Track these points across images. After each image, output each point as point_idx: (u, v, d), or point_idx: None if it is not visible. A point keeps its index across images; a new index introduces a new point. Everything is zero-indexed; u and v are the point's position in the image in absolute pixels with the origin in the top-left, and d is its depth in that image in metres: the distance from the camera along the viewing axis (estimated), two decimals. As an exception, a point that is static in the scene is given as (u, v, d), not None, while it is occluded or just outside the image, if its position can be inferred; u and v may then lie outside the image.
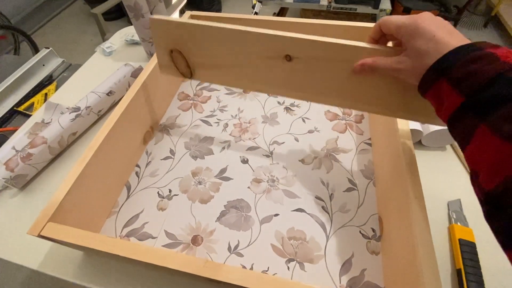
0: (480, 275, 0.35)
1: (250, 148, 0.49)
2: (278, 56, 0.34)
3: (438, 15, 1.40)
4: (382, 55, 0.29)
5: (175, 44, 0.38)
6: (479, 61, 0.22)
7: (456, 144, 0.49)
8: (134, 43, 0.72)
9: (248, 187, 0.44)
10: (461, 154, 0.47)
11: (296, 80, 0.35)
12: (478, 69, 0.22)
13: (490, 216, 0.21)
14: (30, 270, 0.39)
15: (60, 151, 0.50)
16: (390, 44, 0.32)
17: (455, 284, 0.36)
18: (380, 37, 0.31)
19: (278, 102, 0.56)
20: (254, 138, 0.51)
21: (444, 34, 0.24)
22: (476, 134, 0.21)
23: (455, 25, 1.78)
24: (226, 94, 0.59)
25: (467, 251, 0.37)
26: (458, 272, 0.36)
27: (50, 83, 0.88)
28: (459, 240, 0.38)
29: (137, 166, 0.48)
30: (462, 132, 0.23)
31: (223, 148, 0.50)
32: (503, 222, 0.19)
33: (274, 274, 0.36)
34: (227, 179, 0.46)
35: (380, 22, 0.29)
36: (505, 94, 0.20)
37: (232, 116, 0.54)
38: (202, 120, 0.54)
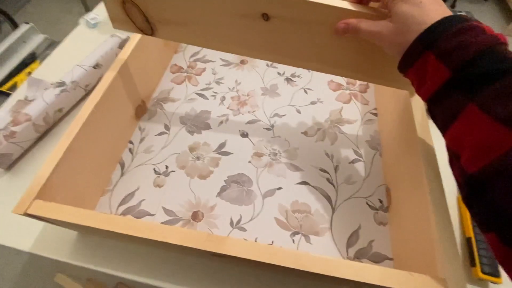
0: (490, 243, 0.34)
1: (250, 122, 0.47)
2: (254, 15, 0.29)
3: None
4: (366, 17, 0.27)
5: None
6: (468, 33, 0.20)
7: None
8: (120, 14, 0.67)
9: (249, 162, 0.42)
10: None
11: (273, 42, 0.32)
12: (466, 40, 0.20)
13: (470, 199, 0.20)
14: (28, 254, 0.37)
15: (46, 129, 0.47)
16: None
17: (465, 252, 0.35)
18: None
19: (278, 73, 0.53)
20: (254, 111, 0.48)
21: (431, 1, 0.23)
22: (464, 113, 0.20)
23: (456, -2, 1.72)
24: (222, 65, 0.55)
25: (477, 219, 0.36)
26: (468, 240, 0.35)
27: (33, 61, 0.83)
28: (469, 208, 0.36)
29: (130, 142, 0.45)
30: (447, 111, 0.21)
31: (221, 122, 0.47)
32: (484, 206, 0.19)
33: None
34: (227, 153, 0.43)
35: None
36: (496, 70, 0.19)
37: (229, 88, 0.51)
38: (197, 94, 0.51)
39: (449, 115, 0.21)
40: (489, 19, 1.72)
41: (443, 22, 0.21)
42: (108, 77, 0.39)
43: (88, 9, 1.71)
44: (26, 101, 0.52)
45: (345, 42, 0.30)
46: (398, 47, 0.24)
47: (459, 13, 0.23)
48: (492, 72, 0.19)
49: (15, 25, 1.52)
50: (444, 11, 0.22)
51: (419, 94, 0.24)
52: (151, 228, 0.27)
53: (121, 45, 0.54)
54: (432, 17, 0.22)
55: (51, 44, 0.85)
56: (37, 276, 0.95)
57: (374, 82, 0.34)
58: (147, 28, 0.35)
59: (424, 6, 0.22)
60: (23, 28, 0.81)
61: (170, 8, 0.32)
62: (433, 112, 0.23)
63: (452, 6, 1.74)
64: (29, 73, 0.76)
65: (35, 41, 0.85)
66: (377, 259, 0.34)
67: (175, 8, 0.32)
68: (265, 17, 0.29)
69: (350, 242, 0.35)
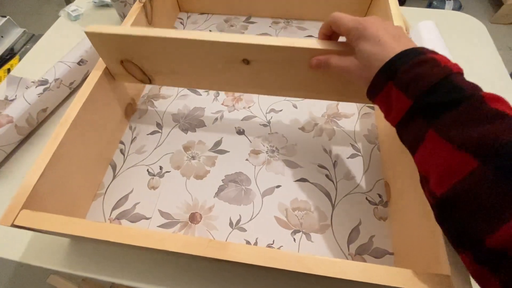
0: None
1: (246, 118, 0.45)
2: (235, 61, 0.33)
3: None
4: (335, 53, 0.30)
5: (123, 55, 0.36)
6: (424, 65, 0.22)
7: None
8: (103, 5, 0.63)
9: (246, 159, 0.41)
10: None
11: (256, 80, 0.35)
12: (423, 72, 0.22)
13: (441, 219, 0.21)
14: (16, 263, 0.35)
15: (30, 131, 0.44)
16: (342, 39, 0.31)
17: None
18: (332, 33, 0.31)
19: (273, 67, 0.52)
20: (249, 107, 0.47)
21: (390, 39, 0.25)
22: (426, 138, 0.21)
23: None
24: (215, 59, 0.53)
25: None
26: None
27: (12, 57, 0.78)
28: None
29: (121, 143, 0.43)
30: (412, 137, 0.23)
31: (216, 119, 0.45)
32: (452, 227, 0.20)
33: (280, 247, 0.34)
34: (223, 152, 0.42)
35: (331, 22, 0.29)
36: (450, 99, 0.20)
37: (222, 83, 0.49)
38: (190, 90, 0.49)
39: (414, 140, 0.23)
40: (476, 7, 1.73)
41: (401, 56, 0.23)
42: (95, 74, 0.37)
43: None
44: (6, 101, 0.49)
45: (321, 73, 0.33)
46: (364, 79, 0.26)
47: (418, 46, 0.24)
48: (447, 101, 0.20)
49: (-11, 18, 1.43)
50: (405, 45, 0.24)
51: (388, 120, 0.26)
52: (148, 236, 0.25)
53: (107, 39, 0.51)
54: (392, 52, 0.24)
55: (31, 38, 0.80)
56: (29, 278, 0.93)
57: (354, 102, 0.37)
58: (146, 79, 0.39)
59: (383, 44, 0.25)
60: (-2, 21, 0.76)
61: (161, 63, 0.36)
62: (401, 137, 0.25)
63: (441, -6, 1.74)
64: (9, 70, 0.71)
65: (13, 35, 0.80)
66: (378, 254, 0.34)
67: (166, 63, 0.36)
68: (246, 61, 0.33)
69: (351, 239, 0.35)
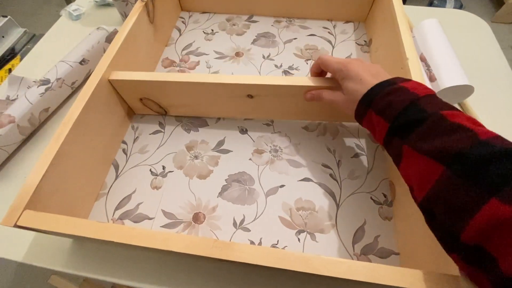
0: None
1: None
2: (241, 96, 0.38)
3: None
4: (325, 89, 0.36)
5: (142, 94, 0.40)
6: (394, 93, 0.27)
7: (464, 102, 0.46)
8: (105, 4, 0.63)
9: (250, 159, 0.41)
10: (469, 111, 0.45)
11: (259, 109, 0.41)
12: (394, 100, 0.26)
13: (428, 224, 0.23)
14: (17, 264, 0.35)
15: (32, 131, 0.44)
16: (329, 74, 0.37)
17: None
18: (321, 71, 0.36)
19: (275, 66, 0.51)
20: (252, 106, 0.46)
21: (369, 76, 0.30)
22: (403, 153, 0.25)
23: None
24: (217, 58, 0.53)
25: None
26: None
27: (13, 57, 0.78)
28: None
29: (124, 142, 0.43)
30: (394, 154, 0.27)
31: (219, 118, 0.45)
32: (438, 230, 0.22)
33: (284, 247, 0.34)
34: (226, 151, 0.42)
35: (320, 63, 0.35)
36: (417, 119, 0.24)
37: (225, 83, 0.49)
38: (192, 89, 0.49)
39: (396, 156, 0.26)
40: (477, 7, 1.73)
41: (375, 88, 0.29)
42: (97, 74, 0.36)
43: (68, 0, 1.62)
44: (8, 101, 0.49)
45: (315, 102, 0.37)
46: (351, 110, 0.32)
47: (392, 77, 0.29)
48: (414, 121, 0.24)
49: (-10, 18, 1.43)
50: (381, 80, 0.29)
51: (376, 140, 0.31)
52: (152, 236, 0.25)
53: (108, 39, 0.51)
54: (370, 86, 0.29)
55: (32, 38, 0.79)
56: (30, 278, 0.93)
57: (345, 122, 0.44)
58: (162, 111, 0.44)
59: (364, 82, 0.30)
60: (0, 21, 0.76)
61: (176, 99, 0.41)
62: (389, 153, 0.28)
63: (442, -7, 1.74)
64: (10, 70, 0.71)
65: (14, 35, 0.80)
66: (384, 254, 0.34)
67: (181, 99, 0.41)
68: (250, 96, 0.38)
69: (356, 238, 0.35)
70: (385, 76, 0.30)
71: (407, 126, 0.25)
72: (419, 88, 0.27)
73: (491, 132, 0.21)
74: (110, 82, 0.38)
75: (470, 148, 0.20)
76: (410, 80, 0.28)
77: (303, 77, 0.36)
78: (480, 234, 0.18)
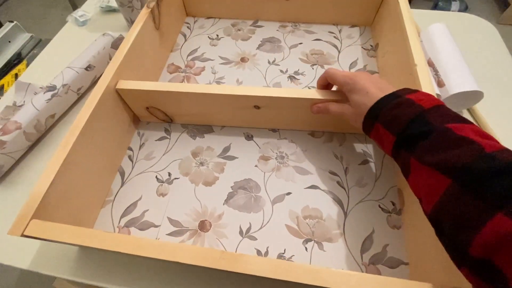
0: None
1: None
2: (248, 107, 0.38)
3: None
4: (329, 101, 0.36)
5: (149, 103, 0.40)
6: (400, 106, 0.27)
7: (473, 107, 0.45)
8: (111, 10, 0.64)
9: (256, 166, 0.41)
10: (479, 117, 0.44)
11: (264, 118, 0.41)
12: (400, 113, 0.27)
13: (438, 237, 0.23)
14: (19, 270, 0.35)
15: (38, 137, 0.44)
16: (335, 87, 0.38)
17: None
18: (328, 84, 0.37)
19: (281, 71, 0.51)
20: (257, 112, 0.46)
21: (375, 90, 0.30)
22: (411, 166, 0.25)
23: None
24: (222, 64, 0.53)
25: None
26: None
27: (19, 62, 0.78)
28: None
29: (129, 149, 0.43)
30: (402, 166, 0.27)
31: (224, 124, 0.45)
32: (445, 241, 0.22)
33: (291, 256, 0.34)
34: (232, 158, 0.42)
35: (327, 76, 0.35)
36: (423, 132, 0.24)
37: (230, 88, 0.49)
38: (197, 95, 0.48)
39: (404, 169, 0.26)
40: (483, 8, 1.71)
41: (382, 101, 0.29)
42: (103, 82, 0.36)
43: (74, 3, 1.64)
44: (15, 107, 0.49)
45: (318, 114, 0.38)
46: (358, 123, 0.32)
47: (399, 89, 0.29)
48: (420, 134, 0.24)
49: (-3, 23, 1.45)
50: (386, 93, 0.29)
51: (385, 152, 0.30)
52: (159, 247, 0.25)
53: (114, 45, 0.51)
54: (376, 99, 0.29)
55: (38, 43, 0.80)
56: (34, 282, 0.93)
57: (349, 132, 0.43)
58: (167, 119, 0.44)
59: (370, 94, 0.30)
60: (7, 27, 0.77)
61: (182, 109, 0.41)
62: (398, 165, 0.28)
63: (447, -5, 1.73)
64: (16, 75, 0.72)
65: (21, 40, 0.81)
66: (393, 264, 0.33)
67: (187, 108, 0.41)
68: (257, 107, 0.38)
69: (364, 248, 0.34)
70: (390, 89, 0.30)
71: (413, 139, 0.25)
72: (425, 99, 0.27)
73: (498, 145, 0.21)
74: (117, 91, 0.38)
75: (475, 161, 0.20)
76: (417, 91, 0.28)
77: (310, 90, 0.36)
78: (487, 248, 0.18)
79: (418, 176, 0.24)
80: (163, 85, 0.38)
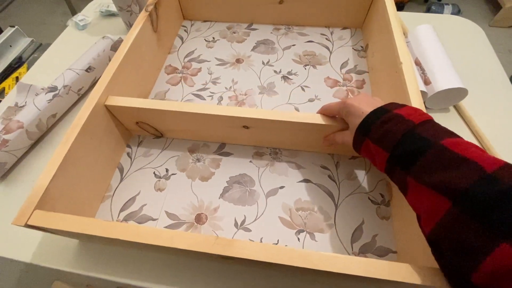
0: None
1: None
2: (237, 126, 0.39)
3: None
4: (313, 126, 0.36)
5: (139, 118, 0.41)
6: (390, 121, 0.26)
7: (459, 105, 0.47)
8: (110, 15, 0.66)
9: (250, 161, 0.42)
10: (464, 113, 0.46)
11: (253, 137, 0.41)
12: (390, 128, 0.26)
13: (434, 257, 0.22)
14: (23, 264, 0.36)
15: (39, 136, 0.46)
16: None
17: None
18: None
19: (275, 71, 0.53)
20: (252, 110, 0.48)
21: (369, 107, 0.29)
22: (408, 185, 0.24)
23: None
24: (218, 65, 0.54)
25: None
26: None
27: (20, 66, 0.80)
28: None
29: (128, 146, 0.44)
30: (398, 183, 0.26)
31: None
32: (443, 263, 0.21)
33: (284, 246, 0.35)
34: (227, 154, 0.43)
35: (323, 112, 0.36)
36: (417, 149, 0.23)
37: (226, 88, 0.51)
38: (194, 94, 0.50)
39: (401, 186, 0.25)
40: (475, 11, 1.75)
41: (371, 115, 0.28)
42: (103, 83, 0.38)
43: (73, 9, 1.67)
44: (17, 107, 0.50)
45: (307, 134, 0.38)
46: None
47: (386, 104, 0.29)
48: (415, 151, 0.23)
49: (-3, 28, 1.47)
50: (375, 106, 0.29)
51: (377, 168, 0.29)
52: (157, 234, 0.26)
53: (113, 47, 0.53)
54: (365, 114, 0.29)
55: (39, 47, 0.82)
56: (33, 285, 0.93)
57: (340, 153, 0.43)
58: (158, 133, 0.44)
59: (365, 113, 0.29)
60: (8, 31, 0.78)
61: (172, 125, 0.41)
62: (392, 181, 0.27)
63: (439, -1, 1.77)
64: (17, 78, 0.73)
65: (22, 44, 0.82)
66: (382, 253, 0.34)
67: (176, 125, 0.41)
68: (246, 127, 0.39)
69: (354, 238, 0.35)
70: (380, 104, 0.30)
71: (408, 157, 0.24)
72: (415, 114, 0.26)
73: (498, 161, 0.20)
74: (107, 107, 0.38)
75: (476, 185, 0.19)
76: (404, 105, 0.28)
77: (296, 113, 0.36)
78: (492, 278, 0.17)
79: (416, 195, 0.23)
80: (152, 102, 0.38)
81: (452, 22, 0.63)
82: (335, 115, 0.35)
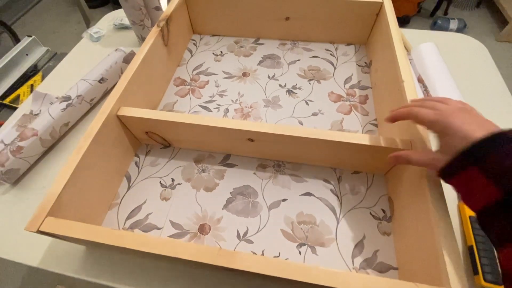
0: (491, 251, 0.35)
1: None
2: (242, 139, 0.40)
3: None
4: (312, 141, 0.37)
5: (148, 128, 0.42)
6: None
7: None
8: (123, 27, 0.68)
9: (254, 173, 0.43)
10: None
11: (258, 149, 0.42)
12: None
13: None
14: (28, 267, 0.37)
15: (52, 143, 0.47)
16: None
17: (467, 260, 0.36)
18: (396, 120, 0.31)
19: (280, 85, 0.54)
20: (257, 123, 0.49)
21: (475, 127, 0.24)
22: None
23: (448, 5, 1.76)
24: (225, 78, 0.56)
25: (478, 228, 0.36)
26: (470, 248, 0.36)
27: (35, 74, 0.83)
28: (470, 217, 0.37)
29: (136, 156, 0.46)
30: (499, 230, 0.21)
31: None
32: None
33: (285, 259, 0.35)
34: (232, 165, 0.44)
35: (410, 115, 0.29)
36: None
37: (232, 101, 0.52)
38: (201, 106, 0.52)
39: (504, 235, 0.21)
40: (481, 26, 1.76)
41: (488, 141, 0.22)
42: (115, 94, 0.40)
43: (87, 18, 1.73)
44: (32, 115, 0.52)
45: (313, 148, 0.39)
46: (436, 167, 0.26)
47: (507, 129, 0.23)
48: None
49: (14, 36, 1.53)
50: (487, 130, 0.23)
51: (466, 204, 0.25)
52: (162, 244, 0.27)
53: (126, 59, 0.55)
54: (476, 135, 0.23)
55: (53, 56, 0.85)
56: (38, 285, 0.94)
57: (345, 168, 0.43)
58: (166, 143, 0.46)
59: (469, 136, 0.23)
60: (25, 41, 0.82)
61: (180, 136, 0.43)
62: (484, 225, 0.23)
63: (445, 13, 1.79)
64: (32, 86, 0.76)
65: (37, 53, 0.86)
66: (382, 269, 0.35)
67: (184, 136, 0.43)
68: (251, 140, 0.40)
69: (355, 253, 0.36)
70: (492, 125, 0.24)
71: None
72: None
73: None
74: (118, 117, 0.40)
75: None
76: None
77: (300, 128, 0.37)
78: None
79: None
80: (161, 114, 0.39)
81: (457, 39, 0.64)
82: (422, 125, 0.28)
